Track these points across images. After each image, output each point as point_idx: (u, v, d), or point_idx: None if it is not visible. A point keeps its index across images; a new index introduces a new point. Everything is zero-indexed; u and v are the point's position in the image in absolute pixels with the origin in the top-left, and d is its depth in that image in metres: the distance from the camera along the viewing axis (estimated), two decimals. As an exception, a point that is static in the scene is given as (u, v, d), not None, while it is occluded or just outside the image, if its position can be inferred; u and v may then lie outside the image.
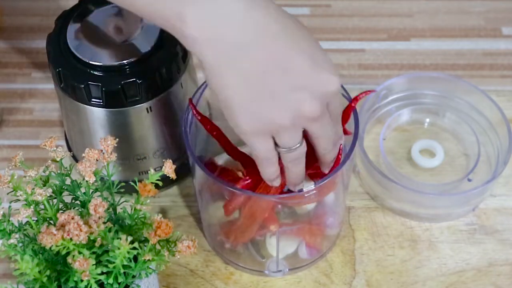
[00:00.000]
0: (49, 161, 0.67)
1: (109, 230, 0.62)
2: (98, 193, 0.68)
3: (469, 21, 1.05)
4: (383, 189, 0.84)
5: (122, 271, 0.62)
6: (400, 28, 1.04)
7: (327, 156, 0.70)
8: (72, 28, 0.78)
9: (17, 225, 0.65)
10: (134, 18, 0.78)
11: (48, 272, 0.61)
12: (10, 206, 0.65)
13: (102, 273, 0.62)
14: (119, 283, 0.63)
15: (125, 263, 0.62)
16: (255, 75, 0.60)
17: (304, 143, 0.66)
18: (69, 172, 0.68)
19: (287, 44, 0.61)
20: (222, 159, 0.80)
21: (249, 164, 0.78)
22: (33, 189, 0.63)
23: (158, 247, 0.64)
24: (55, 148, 0.67)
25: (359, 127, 0.75)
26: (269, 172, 0.68)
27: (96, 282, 0.61)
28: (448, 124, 0.92)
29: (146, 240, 0.63)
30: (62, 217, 0.60)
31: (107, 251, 0.62)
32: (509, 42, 1.02)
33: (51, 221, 0.64)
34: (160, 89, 0.78)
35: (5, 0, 1.06)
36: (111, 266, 0.62)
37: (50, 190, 0.64)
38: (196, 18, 0.59)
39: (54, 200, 0.66)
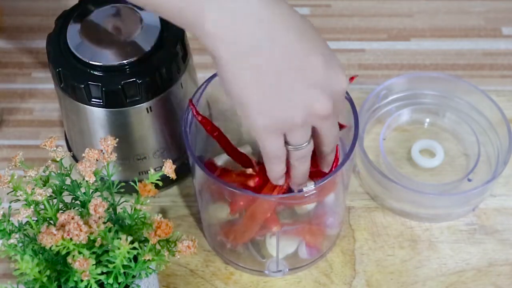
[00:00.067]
0: (49, 161, 0.67)
1: (109, 230, 0.62)
2: (98, 193, 0.68)
3: (469, 21, 1.05)
4: (383, 189, 0.84)
5: (122, 271, 0.63)
6: (400, 28, 1.04)
7: (330, 155, 0.70)
8: (72, 28, 0.78)
9: (17, 225, 0.65)
10: (134, 18, 0.78)
11: (48, 272, 0.61)
12: (10, 206, 0.65)
13: (102, 273, 0.62)
14: (119, 283, 0.63)
15: (125, 263, 0.62)
16: (271, 73, 0.61)
17: (312, 142, 0.67)
18: (69, 172, 0.68)
19: (301, 42, 0.61)
20: (221, 159, 0.80)
21: (249, 165, 0.78)
22: (33, 189, 0.63)
23: (158, 247, 0.64)
24: (55, 148, 0.67)
25: (359, 127, 0.75)
26: (277, 170, 0.68)
27: (96, 282, 0.61)
28: (448, 124, 0.92)
29: (146, 240, 0.63)
30: (62, 217, 0.60)
31: (107, 251, 0.62)
32: (509, 42, 1.02)
33: (51, 221, 0.64)
34: (160, 89, 0.78)
35: (5, 0, 1.06)
36: (111, 266, 0.62)
37: (50, 190, 0.64)
38: (215, 15, 0.59)
39: (54, 200, 0.66)
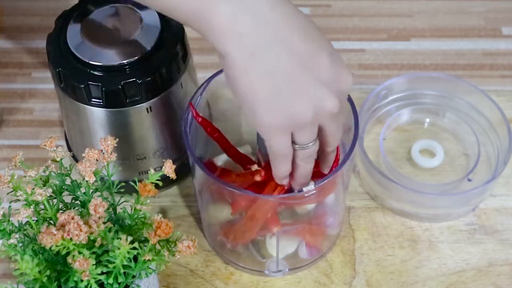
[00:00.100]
0: (49, 161, 0.67)
1: (109, 230, 0.62)
2: (98, 193, 0.68)
3: (469, 21, 1.05)
4: (383, 189, 0.84)
5: (122, 271, 0.62)
6: (400, 28, 1.04)
7: (331, 155, 0.70)
8: (72, 28, 0.78)
9: (17, 225, 0.65)
10: (134, 18, 0.78)
11: (48, 272, 0.61)
12: (10, 206, 0.65)
13: (102, 273, 0.62)
14: (119, 283, 0.63)
15: (125, 263, 0.62)
16: (280, 71, 0.61)
17: (318, 142, 0.67)
18: (69, 172, 0.68)
19: (306, 43, 0.62)
20: (221, 159, 0.80)
21: (249, 166, 0.78)
22: (33, 189, 0.63)
23: (158, 247, 0.64)
24: (55, 148, 0.67)
25: (359, 127, 0.75)
26: (283, 169, 0.68)
27: (96, 282, 0.61)
28: (448, 124, 0.92)
29: (146, 240, 0.63)
30: (62, 217, 0.60)
31: (107, 251, 0.62)
32: (509, 42, 1.02)
33: (51, 221, 0.64)
34: (160, 89, 0.78)
35: (5, 0, 1.06)
36: (111, 266, 0.62)
37: (50, 190, 0.64)
38: (224, 12, 0.60)
39: (54, 200, 0.66)
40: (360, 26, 1.04)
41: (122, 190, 0.68)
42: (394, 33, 1.03)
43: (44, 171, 0.66)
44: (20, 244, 0.64)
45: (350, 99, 0.74)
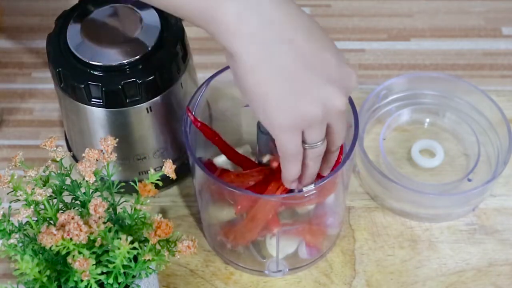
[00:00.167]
0: (49, 161, 0.67)
1: (109, 230, 0.62)
2: (98, 193, 0.68)
3: (469, 21, 1.05)
4: (383, 189, 0.84)
5: (122, 271, 0.62)
6: (400, 28, 1.04)
7: (334, 155, 0.71)
8: (72, 28, 0.78)
9: (17, 225, 0.65)
10: (134, 18, 0.78)
11: (48, 272, 0.61)
12: (10, 206, 0.65)
13: (102, 273, 0.62)
14: (119, 283, 0.63)
15: (125, 263, 0.62)
16: (290, 70, 0.62)
17: (326, 141, 0.67)
18: (69, 172, 0.68)
19: (309, 42, 0.62)
20: (221, 160, 0.80)
21: (249, 167, 0.78)
22: (33, 189, 0.63)
23: (158, 247, 0.64)
24: (55, 148, 0.67)
25: (359, 127, 0.75)
26: (293, 170, 0.68)
27: (96, 282, 0.61)
28: (448, 124, 0.92)
29: (146, 240, 0.63)
30: (62, 217, 0.60)
31: (107, 251, 0.62)
32: (509, 42, 1.02)
33: (51, 221, 0.64)
34: (160, 89, 0.78)
35: (5, 0, 1.06)
36: (111, 266, 0.62)
37: (50, 190, 0.64)
38: (232, 13, 0.60)
39: (54, 200, 0.66)
40: (360, 26, 1.04)
41: (122, 190, 0.68)
42: (394, 33, 1.03)
43: (44, 171, 0.66)
44: (20, 244, 0.64)
45: (350, 99, 0.74)
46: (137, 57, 0.76)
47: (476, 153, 0.88)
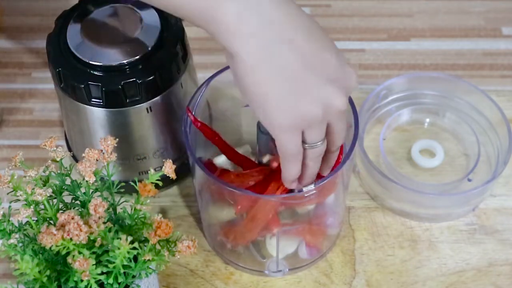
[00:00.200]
0: (49, 161, 0.67)
1: (109, 230, 0.62)
2: (98, 193, 0.68)
3: (469, 21, 1.05)
4: (383, 189, 0.84)
5: (122, 271, 0.62)
6: (400, 28, 1.04)
7: (334, 155, 0.71)
8: (72, 28, 0.78)
9: (17, 225, 0.65)
10: (134, 18, 0.78)
11: (48, 272, 0.61)
12: (10, 206, 0.65)
13: (102, 273, 0.62)
14: (119, 283, 0.63)
15: (125, 263, 0.62)
16: (290, 70, 0.62)
17: (326, 141, 0.67)
18: (69, 172, 0.68)
19: (313, 41, 0.63)
20: (221, 160, 0.80)
21: (249, 167, 0.78)
22: (33, 189, 0.63)
23: (158, 247, 0.64)
24: (55, 148, 0.67)
25: (359, 127, 0.75)
26: (294, 170, 0.68)
27: (96, 282, 0.61)
28: (448, 124, 0.92)
29: (146, 240, 0.63)
30: (62, 217, 0.60)
31: (107, 251, 0.62)
32: (509, 42, 1.02)
33: (51, 221, 0.64)
34: (160, 89, 0.78)
35: (5, 0, 1.06)
36: (111, 266, 0.62)
37: (50, 190, 0.64)
38: (232, 13, 0.60)
39: (54, 200, 0.66)
40: (360, 26, 1.04)
41: (122, 190, 0.68)
42: (394, 33, 1.03)
43: (44, 171, 0.66)
44: (20, 244, 0.64)
45: (350, 99, 0.74)
46: (137, 57, 0.76)
47: (476, 153, 0.88)
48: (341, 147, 0.72)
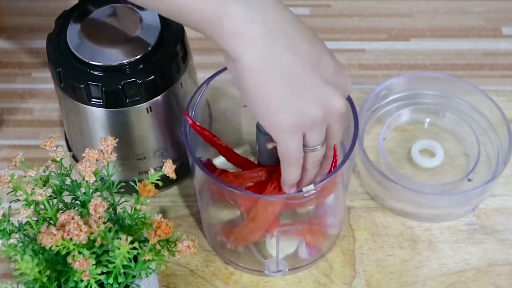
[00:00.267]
0: (49, 161, 0.67)
1: (109, 230, 0.62)
2: (98, 193, 0.68)
3: (469, 21, 1.05)
4: (383, 189, 0.84)
5: (122, 271, 0.62)
6: (400, 28, 1.04)
7: (329, 161, 0.71)
8: (72, 28, 0.78)
9: (17, 225, 0.65)
10: (134, 18, 0.78)
11: (48, 272, 0.61)
12: (10, 206, 0.65)
13: (102, 273, 0.62)
14: (119, 283, 0.63)
15: (125, 263, 0.62)
16: (291, 71, 0.62)
17: (325, 145, 0.68)
18: (69, 172, 0.68)
19: (312, 44, 0.64)
20: (220, 160, 0.80)
21: (249, 169, 0.78)
22: (33, 189, 0.63)
23: (158, 247, 0.64)
24: (55, 148, 0.67)
25: (359, 127, 0.75)
26: (294, 174, 0.69)
27: (96, 282, 0.61)
28: (448, 124, 0.92)
29: (146, 240, 0.63)
30: (62, 217, 0.60)
31: (107, 251, 0.62)
32: (509, 42, 1.02)
33: (51, 221, 0.64)
34: (160, 89, 0.78)
35: (5, 0, 1.06)
36: (111, 266, 0.62)
37: (50, 190, 0.64)
38: (243, 16, 0.61)
39: (54, 200, 0.66)
40: (360, 26, 1.04)
41: (122, 190, 0.68)
42: (394, 33, 1.03)
43: (44, 171, 0.66)
44: (20, 244, 0.64)
45: (350, 99, 0.74)
46: (137, 57, 0.76)
47: (476, 153, 0.88)
48: (335, 149, 0.72)
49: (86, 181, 0.64)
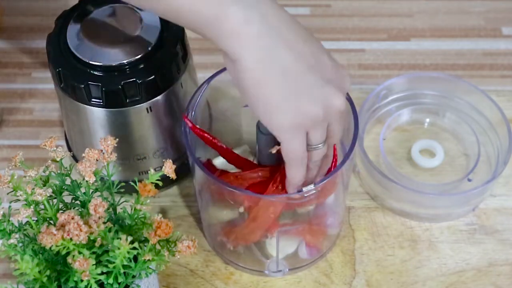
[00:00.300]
0: (49, 161, 0.67)
1: (109, 230, 0.62)
2: (98, 193, 0.68)
3: (469, 21, 1.05)
4: (383, 189, 0.84)
5: (122, 271, 0.62)
6: (400, 28, 1.04)
7: (328, 159, 0.71)
8: (72, 28, 0.78)
9: (17, 225, 0.65)
10: (134, 18, 0.78)
11: (48, 272, 0.61)
12: (10, 206, 0.65)
13: (102, 273, 0.62)
14: (119, 283, 0.63)
15: (125, 263, 0.62)
16: (290, 70, 0.62)
17: (326, 144, 0.68)
18: (69, 172, 0.68)
19: (309, 44, 0.64)
20: (220, 160, 0.80)
21: (249, 169, 0.78)
22: (33, 189, 0.63)
23: (158, 247, 0.64)
24: (55, 148, 0.67)
25: (359, 127, 0.75)
26: (299, 174, 0.69)
27: (96, 282, 0.61)
28: (448, 124, 0.92)
29: (146, 240, 0.63)
30: (62, 217, 0.60)
31: (107, 251, 0.62)
32: (509, 42, 1.02)
33: (51, 221, 0.64)
34: (160, 89, 0.78)
35: (5, 0, 1.06)
36: (111, 266, 0.62)
37: (50, 190, 0.64)
38: (243, 17, 0.61)
39: (54, 200, 0.66)
40: (360, 26, 1.04)
41: (122, 190, 0.68)
42: (394, 33, 1.03)
43: (44, 171, 0.66)
44: (20, 244, 0.64)
45: (350, 99, 0.74)
46: (137, 57, 0.76)
47: (476, 153, 0.88)
48: (335, 149, 0.72)
49: (86, 181, 0.64)
